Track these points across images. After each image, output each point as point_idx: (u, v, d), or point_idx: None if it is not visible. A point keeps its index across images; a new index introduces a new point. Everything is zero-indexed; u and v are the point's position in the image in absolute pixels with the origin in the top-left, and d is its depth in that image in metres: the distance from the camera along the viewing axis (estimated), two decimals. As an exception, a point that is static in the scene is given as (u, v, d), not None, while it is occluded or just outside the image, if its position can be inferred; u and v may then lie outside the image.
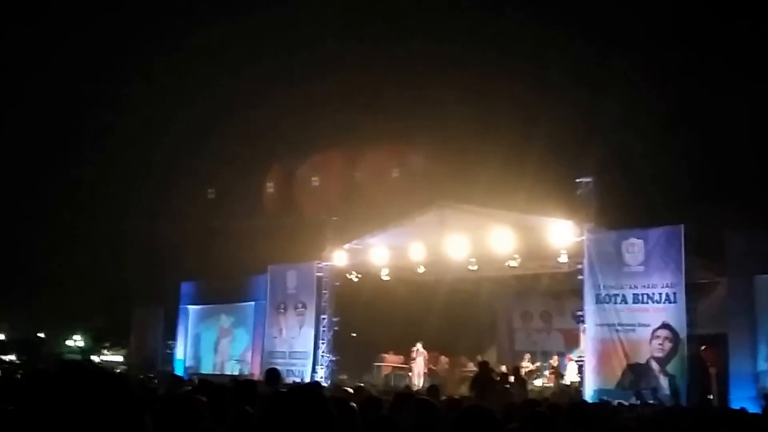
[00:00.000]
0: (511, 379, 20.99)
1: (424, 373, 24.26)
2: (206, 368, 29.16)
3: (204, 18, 33.84)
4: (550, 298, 27.32)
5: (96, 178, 37.85)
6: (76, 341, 42.46)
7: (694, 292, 18.60)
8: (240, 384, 7.73)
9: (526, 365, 23.52)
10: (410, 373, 24.69)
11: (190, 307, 31.03)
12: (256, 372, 25.20)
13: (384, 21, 31.08)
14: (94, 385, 1.98)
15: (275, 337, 26.75)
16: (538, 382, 22.64)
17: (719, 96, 25.07)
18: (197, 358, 30.33)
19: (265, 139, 31.42)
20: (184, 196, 34.22)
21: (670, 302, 18.12)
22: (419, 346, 24.70)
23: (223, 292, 29.42)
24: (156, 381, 15.83)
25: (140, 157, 34.89)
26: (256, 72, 32.32)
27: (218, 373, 27.79)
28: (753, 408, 14.27)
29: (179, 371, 28.71)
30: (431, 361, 25.21)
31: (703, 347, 18.20)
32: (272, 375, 10.74)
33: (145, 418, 2.68)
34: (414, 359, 24.73)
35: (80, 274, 37.15)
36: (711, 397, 17.83)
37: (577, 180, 19.58)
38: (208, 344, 30.21)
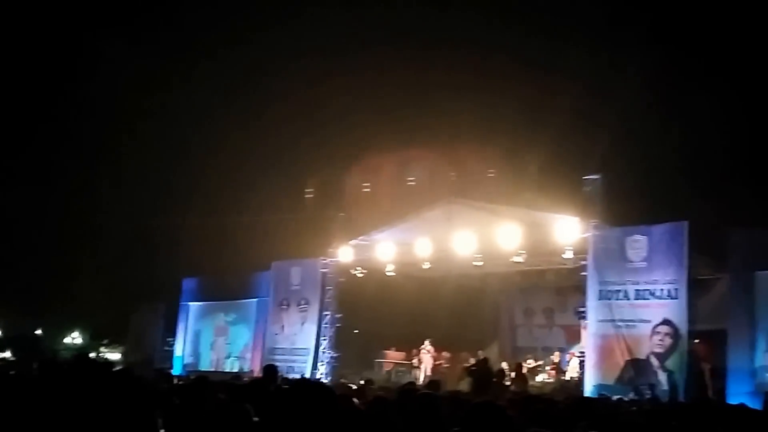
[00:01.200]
0: (512, 375, 21.49)
1: (432, 367, 24.52)
2: (205, 365, 29.25)
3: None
4: (553, 294, 27.57)
5: (97, 174, 38.03)
6: (74, 338, 42.38)
7: (695, 288, 18.86)
8: (251, 383, 7.79)
9: (530, 363, 23.81)
10: (417, 370, 24.97)
11: (191, 303, 31.08)
12: (256, 369, 25.27)
13: (385, 22, 31.41)
14: (107, 381, 1.90)
15: (277, 334, 26.85)
16: (539, 378, 23.00)
17: (723, 94, 25.59)
18: (196, 355, 30.40)
19: (274, 135, 31.62)
20: (189, 192, 34.42)
21: (671, 298, 18.37)
22: (427, 343, 25.04)
23: (226, 288, 29.44)
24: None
25: (143, 153, 35.02)
26: (267, 69, 32.61)
27: (218, 370, 27.72)
28: (751, 403, 14.63)
29: (178, 369, 28.97)
30: (436, 358, 25.35)
31: (696, 341, 18.41)
32: (269, 371, 10.86)
33: (156, 414, 2.82)
34: (422, 356, 25.03)
35: (80, 270, 37.11)
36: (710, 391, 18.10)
37: (585, 177, 19.86)
38: (207, 341, 30.25)
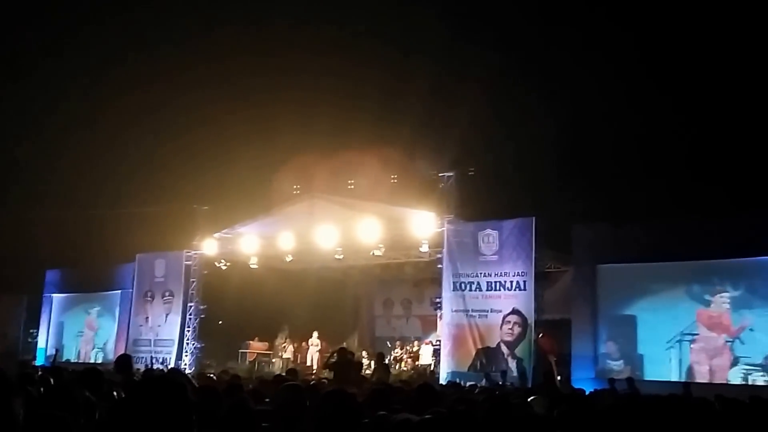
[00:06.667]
0: (367, 363, 21.13)
1: (319, 358, 23.82)
2: (69, 357, 27.98)
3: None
4: (411, 286, 27.54)
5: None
6: (-66, 330, 39.76)
7: (542, 280, 19.24)
8: (85, 372, 7.24)
9: (398, 352, 23.79)
10: (279, 359, 24.61)
11: (54, 295, 29.75)
12: (119, 360, 24.32)
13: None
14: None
15: (141, 325, 26.02)
16: (400, 367, 22.86)
17: (565, 98, 26.23)
18: (60, 346, 28.67)
19: (135, 125, 30.27)
20: (51, 184, 32.53)
21: (520, 290, 18.51)
22: (315, 335, 24.68)
23: (90, 280, 28.27)
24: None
25: (4, 144, 32.83)
26: (129, 62, 31.14)
27: (81, 361, 26.73)
28: (591, 388, 14.71)
29: (40, 360, 27.67)
30: (298, 348, 25.16)
31: (540, 335, 18.46)
32: (122, 361, 10.10)
33: (15, 403, 2.65)
34: (309, 347, 24.74)
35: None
36: (559, 378, 18.23)
37: (439, 174, 19.79)
38: (72, 333, 29.02)
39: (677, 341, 17.65)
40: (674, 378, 17.26)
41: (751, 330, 16.97)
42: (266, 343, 25.59)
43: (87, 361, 26.89)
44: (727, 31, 24.35)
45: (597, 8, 26.24)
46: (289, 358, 24.52)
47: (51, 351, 28.82)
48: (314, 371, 22.43)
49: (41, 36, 30.74)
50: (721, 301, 17.45)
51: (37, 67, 31.31)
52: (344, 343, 22.94)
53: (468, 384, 15.77)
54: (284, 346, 25.14)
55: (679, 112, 24.85)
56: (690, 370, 17.45)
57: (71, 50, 31.26)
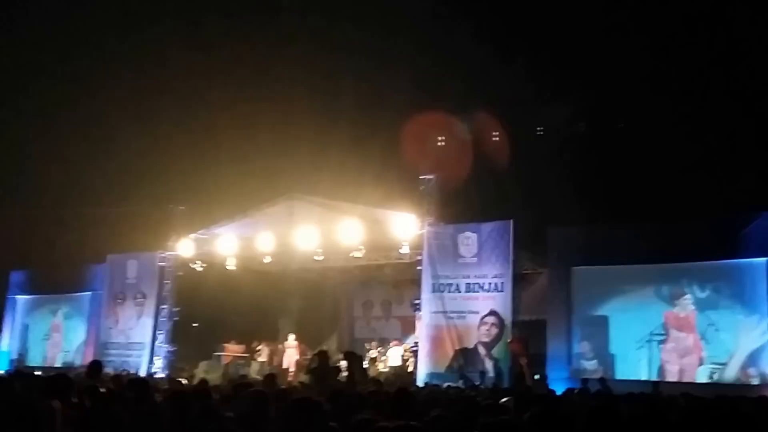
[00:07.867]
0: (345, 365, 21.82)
1: (296, 361, 24.21)
2: (35, 361, 27.91)
3: None
4: (391, 288, 27.95)
5: None
6: None
7: (519, 281, 20.03)
8: (53, 378, 7.43)
9: (373, 353, 24.08)
10: (255, 362, 25.07)
11: (18, 297, 29.69)
12: (89, 364, 24.55)
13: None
14: None
15: (111, 328, 26.07)
16: (379, 368, 23.44)
17: (545, 100, 27.11)
18: (25, 350, 28.98)
19: (107, 120, 30.33)
20: (16, 182, 32.49)
21: (498, 291, 19.32)
22: (291, 338, 24.93)
23: (57, 281, 28.19)
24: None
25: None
26: (98, 60, 31.31)
27: (48, 365, 26.85)
28: (565, 387, 15.41)
29: (4, 364, 27.53)
30: (274, 350, 25.47)
31: (509, 340, 19.10)
32: (94, 367, 10.65)
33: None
34: (285, 350, 24.99)
35: None
36: (537, 376, 18.74)
37: (420, 177, 20.59)
38: (37, 336, 28.96)
39: (647, 341, 18.58)
40: (644, 377, 18.20)
41: (716, 330, 17.98)
42: (243, 346, 25.70)
43: (53, 365, 26.91)
44: (699, 40, 25.61)
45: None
46: (264, 361, 24.79)
47: (16, 355, 29.07)
48: (291, 374, 22.78)
49: (5, 30, 30.94)
50: (685, 303, 18.45)
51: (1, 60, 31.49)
52: (324, 346, 23.53)
53: (445, 385, 16.72)
54: (260, 349, 25.30)
55: (648, 116, 25.94)
56: (661, 370, 18.38)
57: (39, 45, 31.39)
